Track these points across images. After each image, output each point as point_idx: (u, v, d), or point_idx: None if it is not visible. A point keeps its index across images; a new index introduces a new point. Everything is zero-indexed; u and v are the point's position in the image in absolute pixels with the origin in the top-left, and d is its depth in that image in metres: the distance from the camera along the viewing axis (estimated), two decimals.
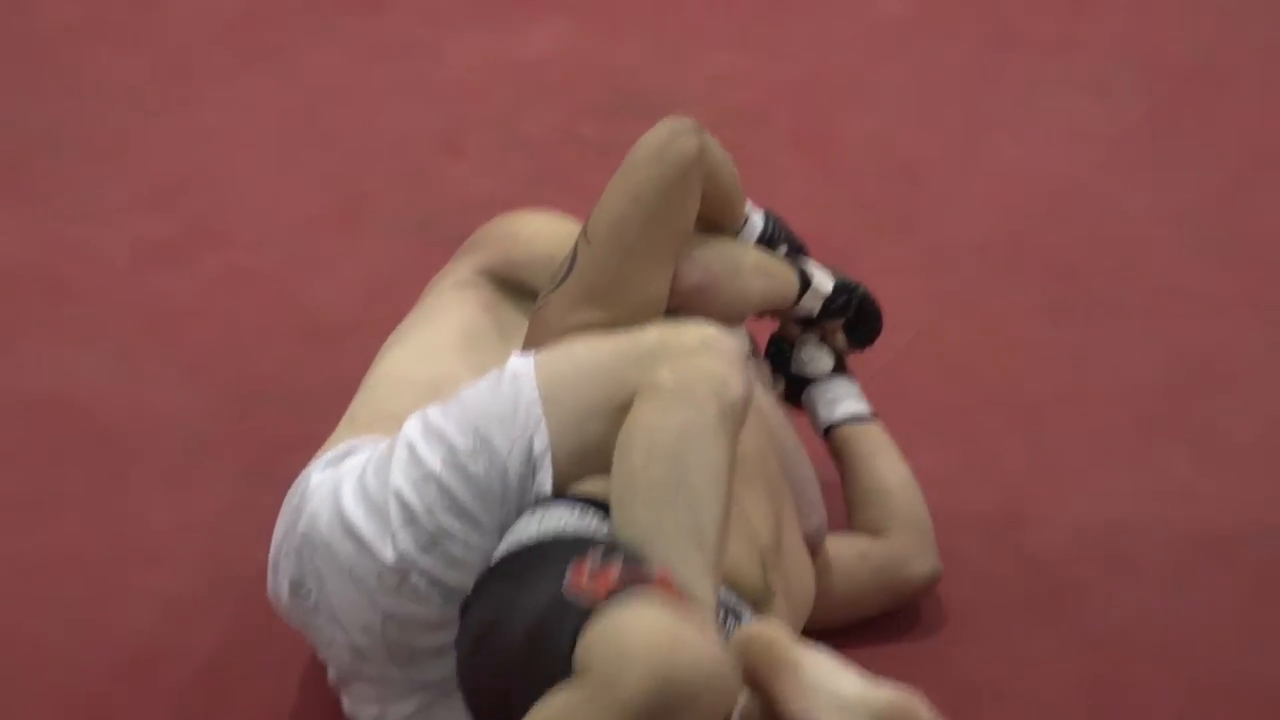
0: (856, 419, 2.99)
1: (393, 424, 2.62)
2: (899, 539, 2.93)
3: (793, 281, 2.88)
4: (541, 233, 2.94)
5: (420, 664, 2.53)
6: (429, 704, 2.57)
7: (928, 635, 2.89)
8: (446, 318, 2.85)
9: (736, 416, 2.41)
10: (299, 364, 3.39)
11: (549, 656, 2.11)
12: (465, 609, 2.39)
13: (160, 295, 3.55)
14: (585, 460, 2.46)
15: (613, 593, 2.11)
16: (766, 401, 2.83)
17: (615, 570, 2.16)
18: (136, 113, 4.03)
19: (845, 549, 2.87)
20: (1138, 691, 2.89)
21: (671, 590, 2.18)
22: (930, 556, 2.93)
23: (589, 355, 2.52)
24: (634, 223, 2.67)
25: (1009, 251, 3.78)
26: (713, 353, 2.44)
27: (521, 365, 2.51)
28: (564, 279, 2.70)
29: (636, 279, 2.67)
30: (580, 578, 2.17)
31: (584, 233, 2.70)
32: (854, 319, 2.97)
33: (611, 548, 2.24)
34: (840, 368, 3.01)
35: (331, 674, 2.65)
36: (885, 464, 2.97)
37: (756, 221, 2.91)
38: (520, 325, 2.86)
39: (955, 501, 3.05)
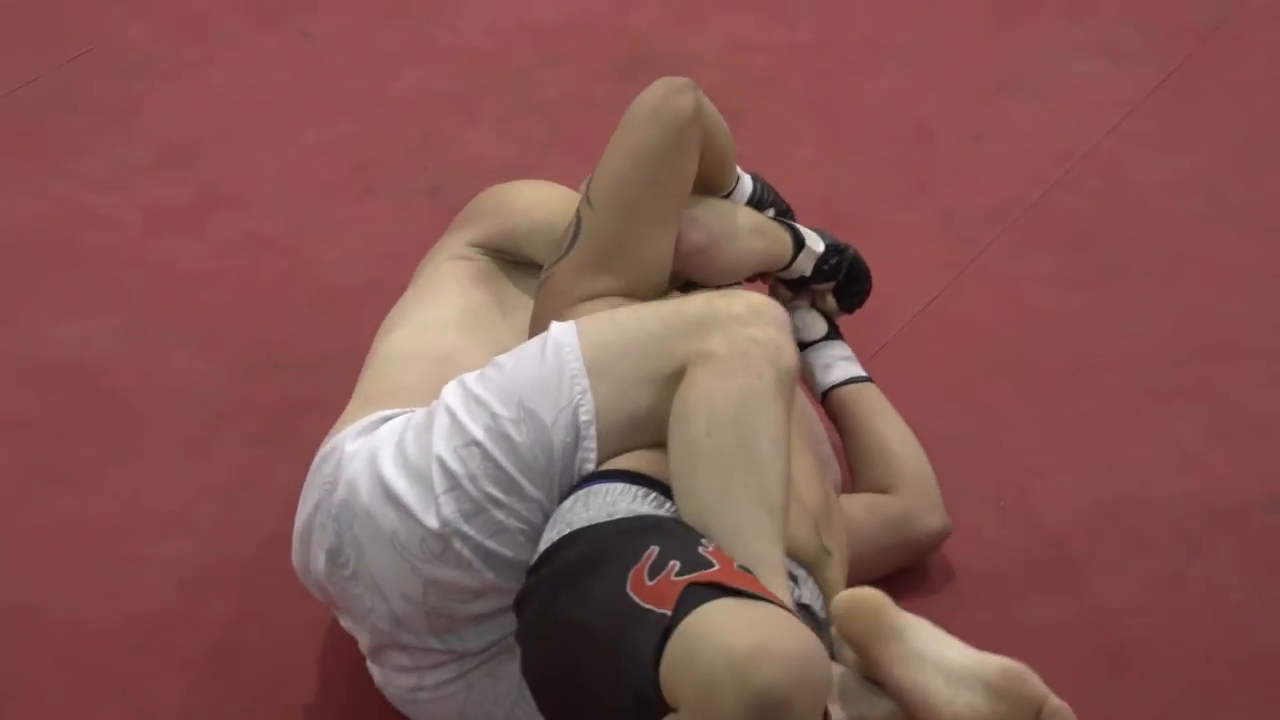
0: (853, 381, 3.00)
1: (406, 398, 2.62)
2: (906, 495, 2.93)
3: (787, 242, 2.90)
4: (536, 202, 2.93)
5: (460, 632, 2.53)
6: (467, 673, 2.57)
7: (937, 604, 2.88)
8: (446, 293, 2.84)
9: (791, 382, 2.43)
10: (311, 329, 3.38)
11: (631, 673, 2.11)
12: (520, 602, 2.38)
13: (173, 260, 3.54)
14: (632, 431, 2.46)
15: (679, 600, 2.10)
16: None
17: (674, 570, 2.15)
18: (149, 76, 4.03)
19: (855, 505, 2.86)
20: (1148, 661, 2.88)
21: (732, 572, 2.17)
22: (938, 512, 2.94)
23: (634, 323, 2.50)
24: (635, 184, 2.68)
25: (1022, 217, 3.77)
26: (763, 320, 2.44)
27: (564, 333, 2.49)
28: (570, 247, 2.70)
29: (642, 241, 2.68)
30: (640, 581, 2.16)
31: (586, 199, 2.70)
32: (844, 281, 2.99)
33: (666, 545, 2.22)
34: (833, 332, 3.03)
35: (364, 644, 2.64)
36: (885, 423, 2.98)
37: (746, 183, 2.93)
38: (518, 297, 2.86)
39: (966, 469, 3.05)
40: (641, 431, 2.46)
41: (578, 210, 2.72)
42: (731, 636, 2.03)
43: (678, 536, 2.26)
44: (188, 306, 3.43)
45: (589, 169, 3.18)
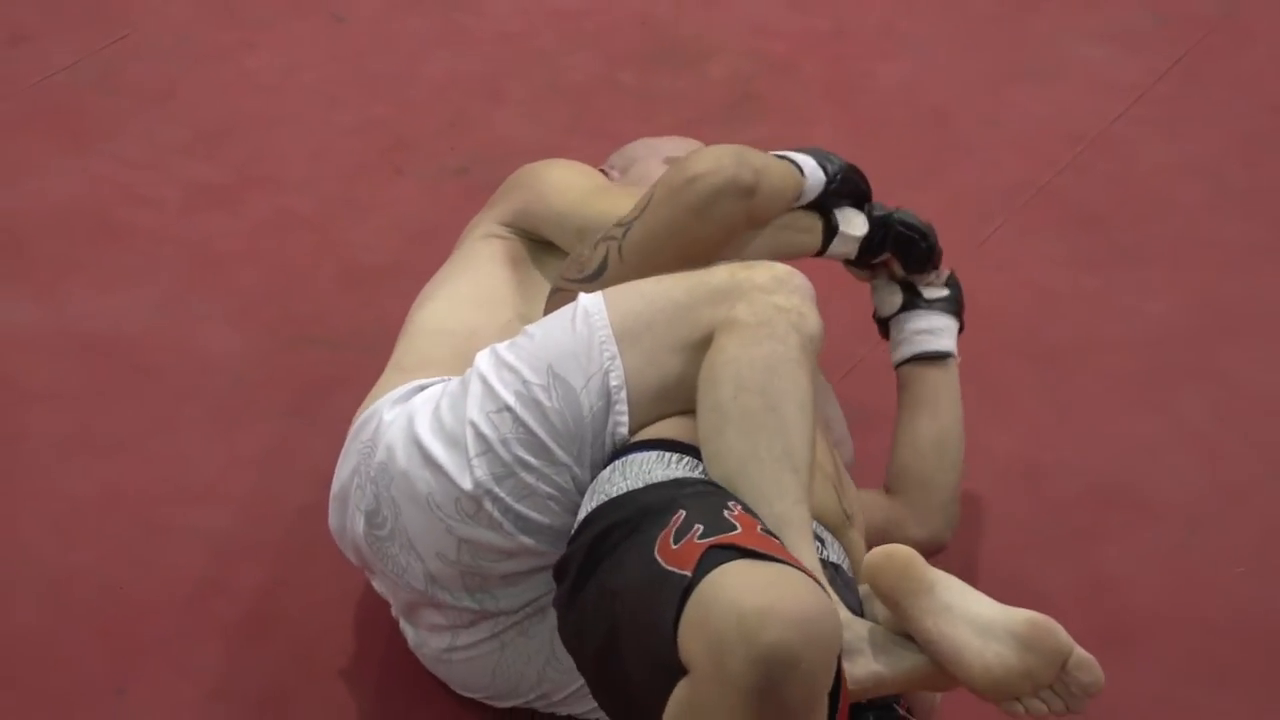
0: (916, 359, 2.90)
1: (438, 368, 2.64)
2: (903, 500, 2.88)
3: (817, 232, 2.79)
4: (557, 188, 2.89)
5: (493, 591, 2.55)
6: (500, 632, 2.59)
7: (949, 572, 2.89)
8: (476, 270, 2.85)
9: (815, 348, 2.43)
10: (341, 306, 3.40)
11: (655, 636, 2.11)
12: (560, 570, 2.39)
13: (208, 237, 3.56)
14: (663, 396, 2.47)
15: (699, 562, 2.10)
16: None
17: (697, 533, 2.15)
18: (187, 58, 4.04)
19: (860, 498, 2.83)
20: (1150, 634, 2.90)
21: (754, 535, 2.18)
22: (932, 523, 2.87)
23: (661, 294, 2.51)
24: (666, 260, 2.62)
25: (1033, 199, 3.78)
26: (787, 289, 2.45)
27: (593, 303, 2.51)
28: (590, 278, 2.67)
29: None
30: (667, 545, 2.17)
31: (619, 247, 2.66)
32: (898, 249, 2.87)
33: (694, 509, 2.23)
34: (918, 301, 2.90)
35: (398, 605, 2.67)
36: (924, 416, 2.89)
37: (812, 183, 2.77)
38: (542, 277, 2.85)
39: (976, 444, 3.03)
40: (672, 398, 2.47)
41: (607, 247, 2.67)
42: (743, 596, 2.02)
43: (706, 499, 2.27)
44: (222, 282, 3.45)
45: (613, 150, 3.20)
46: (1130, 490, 3.13)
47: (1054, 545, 3.01)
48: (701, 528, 2.17)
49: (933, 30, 4.27)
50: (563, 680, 2.59)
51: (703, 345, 2.44)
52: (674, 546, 2.16)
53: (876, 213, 2.84)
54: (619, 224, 2.69)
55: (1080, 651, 2.22)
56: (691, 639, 2.06)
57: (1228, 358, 3.40)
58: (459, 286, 2.83)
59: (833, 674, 2.08)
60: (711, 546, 2.12)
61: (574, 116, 3.93)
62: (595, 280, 2.66)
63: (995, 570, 2.89)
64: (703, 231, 2.63)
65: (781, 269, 2.49)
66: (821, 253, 2.82)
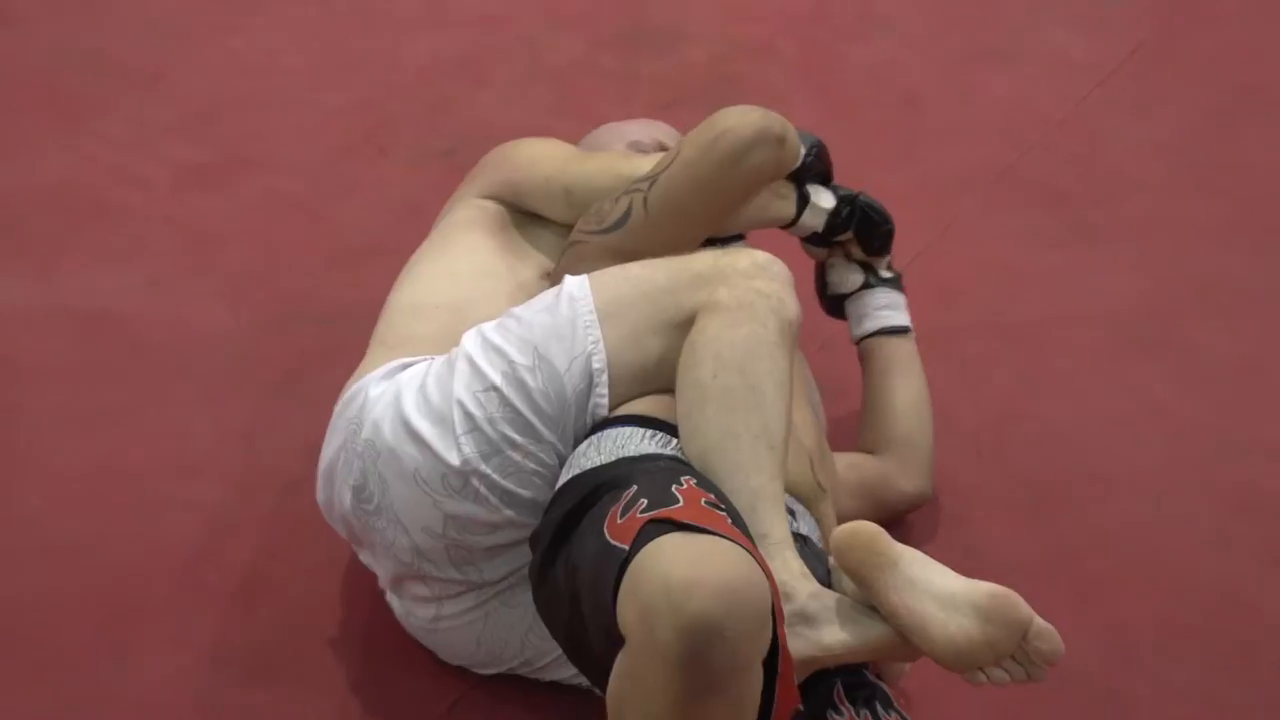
0: (882, 332, 2.97)
1: (422, 345, 2.65)
2: (889, 457, 2.94)
3: (791, 199, 2.83)
4: (537, 157, 2.94)
5: (477, 563, 2.56)
6: (484, 602, 2.61)
7: (918, 544, 2.89)
8: (459, 243, 2.86)
9: (793, 332, 2.46)
10: (328, 284, 3.40)
11: (601, 608, 2.14)
12: (533, 541, 2.42)
13: (199, 217, 3.55)
14: (643, 377, 2.50)
15: (637, 536, 2.12)
16: None
17: (641, 507, 2.17)
18: (176, 41, 4.02)
19: (839, 462, 2.85)
20: (1115, 599, 2.92)
21: (695, 508, 2.19)
22: (918, 477, 2.94)
23: (645, 277, 2.54)
24: (694, 215, 2.69)
25: (1002, 179, 3.78)
26: (766, 274, 2.48)
27: (577, 286, 2.53)
28: (611, 229, 2.71)
29: (676, 249, 2.68)
30: (614, 520, 2.19)
31: (644, 199, 2.69)
32: (859, 228, 2.92)
33: (644, 484, 2.24)
34: (873, 280, 2.98)
35: (384, 578, 2.68)
36: (897, 382, 2.96)
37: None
38: (525, 246, 2.87)
39: (944, 417, 3.05)
40: (651, 378, 2.49)
41: (631, 199, 2.71)
42: (672, 568, 2.03)
43: (660, 475, 2.28)
44: (212, 261, 3.44)
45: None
46: (1096, 461, 3.14)
47: (1021, 515, 3.03)
48: (646, 502, 2.19)
49: (905, 14, 4.27)
50: (544, 647, 2.61)
51: (684, 327, 2.47)
52: (619, 521, 2.17)
53: (841, 192, 2.89)
54: (644, 178, 2.71)
55: (1040, 622, 2.23)
56: (626, 609, 2.07)
57: (1192, 332, 3.41)
58: (440, 263, 2.83)
59: (762, 643, 2.08)
60: (649, 521, 2.14)
61: (556, 98, 3.93)
62: (616, 231, 2.70)
63: (963, 539, 2.90)
64: (736, 181, 2.67)
65: (762, 256, 2.52)
66: (794, 222, 2.85)
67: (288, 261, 3.46)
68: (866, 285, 2.99)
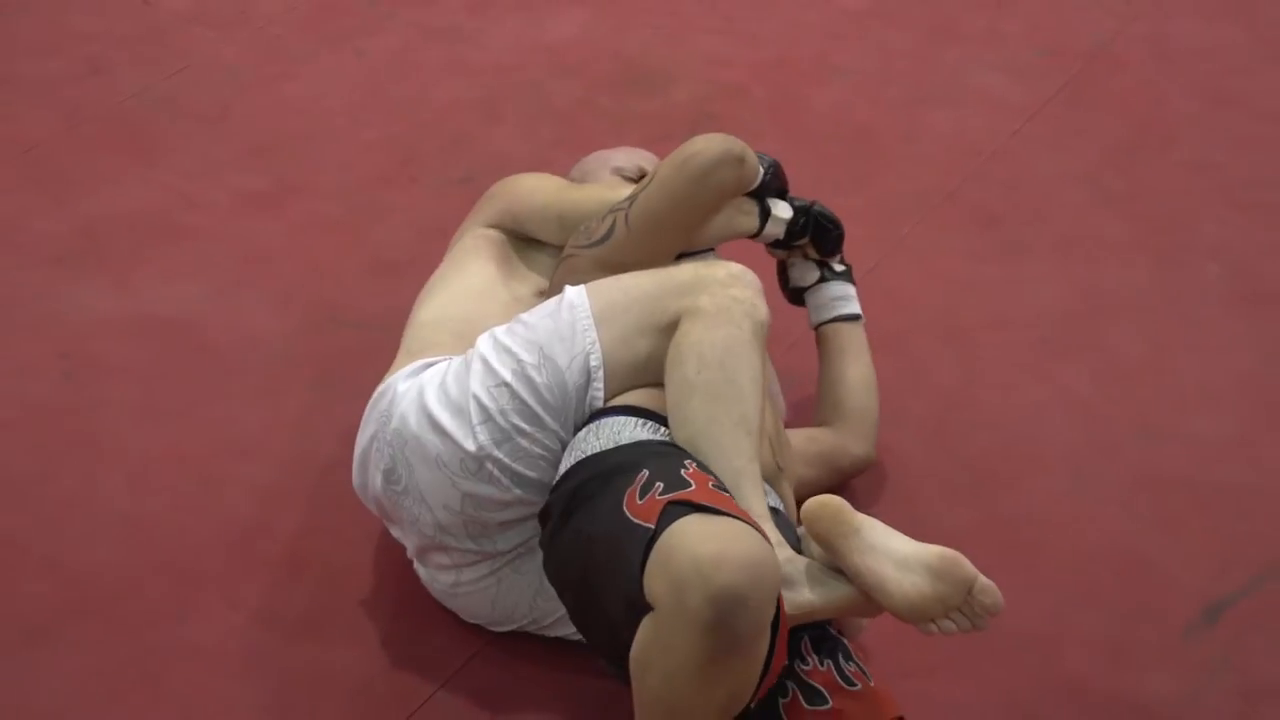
0: (837, 319, 2.93)
1: (440, 350, 2.62)
2: (842, 427, 2.89)
3: (754, 214, 2.77)
4: (535, 190, 2.90)
5: (491, 536, 2.52)
6: (497, 569, 2.57)
7: (875, 515, 2.86)
8: (467, 268, 2.82)
9: (764, 332, 2.44)
10: (366, 293, 3.36)
11: (624, 578, 2.11)
12: (544, 515, 2.39)
13: (254, 236, 3.52)
14: (634, 373, 2.46)
15: (661, 516, 2.10)
16: None
17: (658, 490, 2.15)
18: (236, 87, 4.01)
19: (797, 437, 2.82)
20: (1042, 562, 2.88)
21: (706, 490, 2.17)
22: (865, 443, 2.90)
23: (635, 286, 2.51)
24: (669, 227, 2.65)
25: (943, 203, 3.75)
26: (741, 283, 2.45)
27: (576, 295, 2.50)
28: (598, 243, 2.67)
29: (655, 260, 2.65)
30: (634, 500, 2.17)
31: (626, 215, 2.65)
32: (815, 234, 2.88)
33: (655, 468, 2.22)
34: (828, 275, 2.94)
35: (411, 549, 2.64)
36: (849, 362, 2.92)
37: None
38: (523, 268, 2.84)
39: (896, 407, 3.05)
40: (641, 373, 2.46)
41: (615, 216, 2.67)
42: (699, 545, 2.03)
43: (666, 460, 2.26)
44: (266, 274, 3.41)
45: None
46: (1024, 445, 3.11)
47: (961, 491, 2.99)
48: (662, 485, 2.17)
49: (859, 62, 4.25)
50: (550, 608, 2.57)
51: (669, 329, 2.44)
52: (639, 502, 2.15)
53: (797, 203, 2.86)
54: (626, 198, 2.68)
55: (983, 579, 2.23)
56: (656, 581, 2.06)
57: (1105, 335, 3.38)
58: (452, 284, 2.80)
59: (773, 610, 2.08)
60: (671, 502, 2.12)
61: (560, 134, 3.89)
62: (602, 245, 2.66)
63: (913, 512, 2.86)
64: (704, 195, 2.64)
65: (736, 267, 2.50)
66: (758, 233, 2.81)
67: (329, 274, 3.43)
68: (822, 279, 2.95)
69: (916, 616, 2.22)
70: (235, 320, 3.28)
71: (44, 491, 2.90)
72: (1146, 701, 2.65)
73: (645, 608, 2.08)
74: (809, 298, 2.97)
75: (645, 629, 2.08)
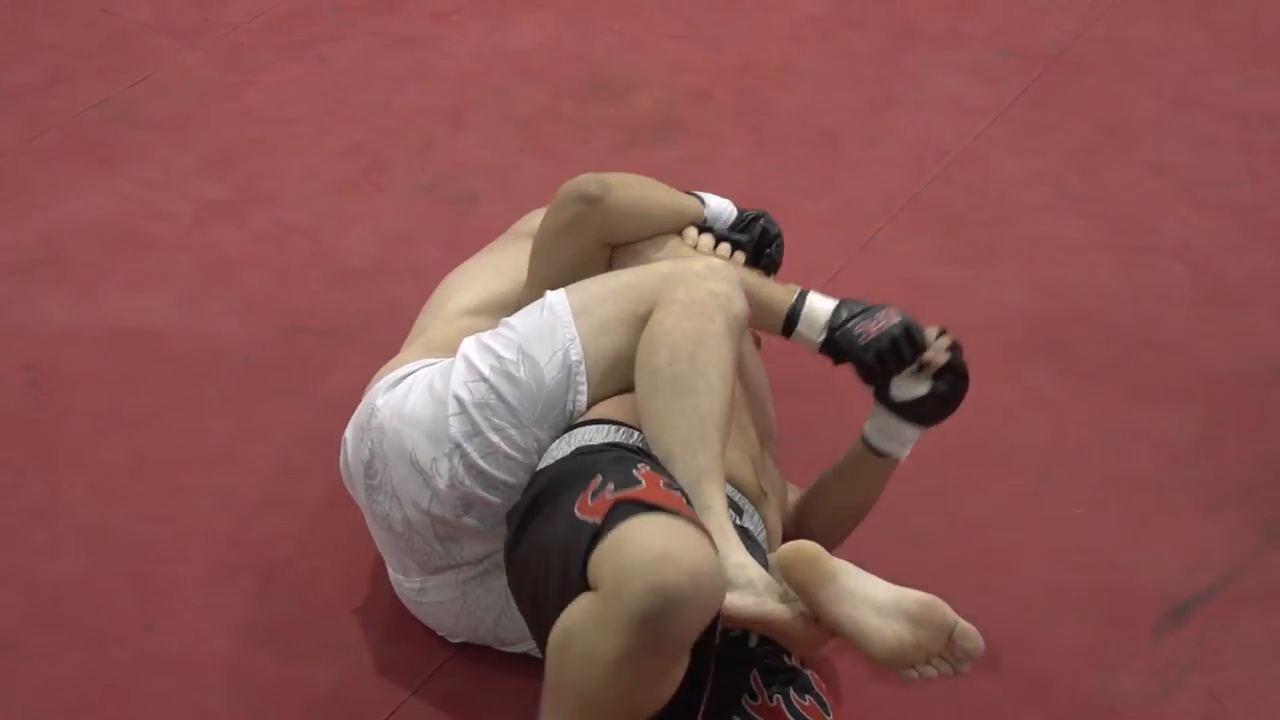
0: (889, 454, 2.65)
1: (450, 351, 2.60)
2: (815, 525, 2.72)
3: (789, 299, 2.62)
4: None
5: (459, 540, 2.51)
6: (465, 581, 2.56)
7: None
8: (495, 280, 2.80)
9: (739, 327, 2.42)
10: (330, 302, 3.35)
11: (570, 572, 2.09)
12: (508, 519, 2.37)
13: (218, 245, 3.50)
14: (616, 364, 2.45)
15: (609, 513, 2.07)
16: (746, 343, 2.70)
17: (609, 490, 2.14)
18: (198, 95, 3.99)
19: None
20: (1009, 562, 2.89)
21: (656, 490, 2.15)
22: (823, 538, 2.60)
23: (614, 279, 2.52)
24: (548, 258, 2.64)
25: (908, 206, 3.75)
26: (718, 276, 2.44)
27: (555, 296, 2.51)
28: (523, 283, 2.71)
29: (539, 291, 2.58)
30: (585, 502, 2.15)
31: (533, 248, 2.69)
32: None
33: (608, 471, 2.20)
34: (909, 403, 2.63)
35: (382, 549, 2.63)
36: (870, 491, 2.69)
37: (711, 210, 2.77)
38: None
39: (861, 412, 3.01)
40: (625, 365, 2.44)
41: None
42: (652, 539, 2.01)
43: (621, 463, 2.24)
44: (230, 283, 3.39)
45: (558, 170, 3.15)
46: (990, 447, 3.11)
47: (928, 494, 2.99)
48: (613, 485, 2.15)
49: (823, 66, 4.25)
50: (513, 628, 2.56)
51: (647, 319, 2.44)
52: (590, 503, 2.13)
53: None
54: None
55: (963, 624, 2.18)
56: (602, 568, 2.03)
57: (1069, 336, 3.39)
58: (494, 282, 2.78)
59: (702, 627, 2.03)
60: (620, 500, 2.10)
61: (524, 140, 3.88)
62: (526, 287, 2.68)
63: (883, 515, 2.83)
64: (559, 224, 2.61)
65: (715, 261, 2.50)
66: (792, 328, 2.62)
67: (293, 282, 3.41)
68: (907, 404, 2.63)
69: (897, 664, 2.18)
70: (200, 329, 3.27)
71: (9, 503, 2.88)
72: (1115, 702, 2.66)
73: (584, 588, 2.05)
74: (888, 412, 2.63)
75: (580, 603, 2.05)
